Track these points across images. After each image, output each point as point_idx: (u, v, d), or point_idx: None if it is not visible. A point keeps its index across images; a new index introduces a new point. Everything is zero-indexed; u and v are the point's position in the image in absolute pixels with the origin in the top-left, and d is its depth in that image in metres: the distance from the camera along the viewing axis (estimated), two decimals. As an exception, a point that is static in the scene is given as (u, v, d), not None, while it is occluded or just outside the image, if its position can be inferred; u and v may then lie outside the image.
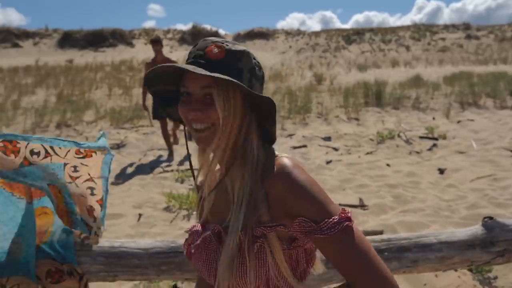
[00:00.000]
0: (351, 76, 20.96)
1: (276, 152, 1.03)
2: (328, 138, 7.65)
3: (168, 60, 6.58)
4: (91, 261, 1.52)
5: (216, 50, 0.97)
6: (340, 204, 4.52)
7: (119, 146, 7.37)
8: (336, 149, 6.95)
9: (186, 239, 1.17)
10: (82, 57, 25.59)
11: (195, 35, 34.88)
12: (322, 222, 0.92)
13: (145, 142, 7.77)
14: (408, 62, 27.28)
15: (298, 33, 40.69)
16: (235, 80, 0.92)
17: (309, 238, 0.95)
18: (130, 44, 31.07)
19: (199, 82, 0.96)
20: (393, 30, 40.16)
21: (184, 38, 34.38)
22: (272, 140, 1.04)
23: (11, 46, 30.57)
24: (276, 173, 0.96)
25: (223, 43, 0.99)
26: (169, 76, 1.03)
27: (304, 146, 7.15)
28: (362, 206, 4.47)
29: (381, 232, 3.69)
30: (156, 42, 6.68)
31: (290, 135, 7.97)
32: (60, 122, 8.88)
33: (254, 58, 1.02)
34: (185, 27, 38.20)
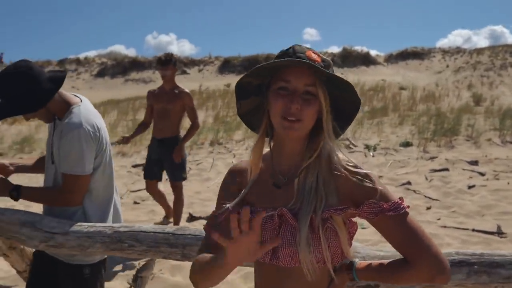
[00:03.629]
0: (517, 96, 18.90)
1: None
2: (474, 162, 7.15)
3: (178, 89, 4.44)
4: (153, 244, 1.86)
5: (314, 56, 1.11)
6: (473, 230, 4.30)
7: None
8: (482, 174, 6.48)
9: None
10: (239, 82, 27.73)
11: (345, 57, 35.13)
12: (390, 203, 1.10)
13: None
14: None
15: (457, 51, 37.96)
16: (349, 82, 1.09)
17: (374, 219, 1.10)
18: (283, 69, 32.61)
19: (304, 80, 1.10)
20: None
21: (334, 61, 34.68)
22: (338, 134, 1.19)
23: (180, 73, 34.66)
24: (349, 169, 1.13)
25: (316, 51, 1.14)
26: (264, 71, 1.14)
27: (446, 169, 6.81)
28: (499, 233, 4.17)
29: None
30: (162, 64, 4.32)
31: (432, 158, 7.65)
32: (213, 140, 9.92)
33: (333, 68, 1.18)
34: (338, 49, 38.69)
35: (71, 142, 1.88)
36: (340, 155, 1.16)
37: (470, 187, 5.86)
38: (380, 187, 1.12)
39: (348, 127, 1.22)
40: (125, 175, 7.52)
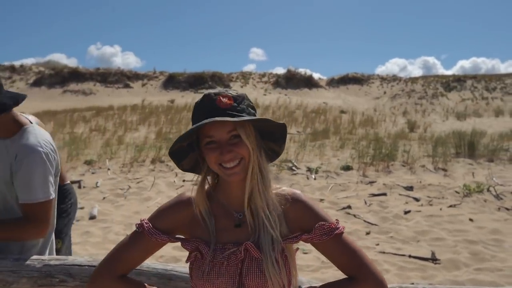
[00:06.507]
0: (448, 124, 20.10)
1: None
2: (410, 188, 7.44)
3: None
4: (146, 280, 1.77)
5: (225, 100, 1.19)
6: (410, 256, 4.43)
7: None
8: (417, 200, 6.75)
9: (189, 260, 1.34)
10: (183, 98, 27.50)
11: (289, 79, 35.83)
12: (333, 223, 1.25)
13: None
14: (514, 112, 25.50)
15: (394, 79, 39.97)
16: (258, 117, 1.20)
17: (319, 241, 1.23)
18: (228, 87, 32.77)
19: (225, 129, 1.18)
20: (499, 77, 37.89)
21: (278, 82, 35.50)
22: (275, 158, 1.33)
23: (123, 86, 33.87)
24: (294, 198, 1.26)
25: (226, 92, 1.21)
26: (185, 136, 1.21)
27: (384, 194, 7.04)
28: (433, 259, 4.32)
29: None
30: None
31: (371, 182, 7.88)
32: (155, 158, 9.66)
33: (248, 98, 1.26)
34: (283, 70, 39.41)
35: (32, 165, 1.68)
36: (284, 189, 1.30)
37: (406, 213, 6.07)
38: (323, 214, 1.26)
39: (284, 145, 1.32)
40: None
